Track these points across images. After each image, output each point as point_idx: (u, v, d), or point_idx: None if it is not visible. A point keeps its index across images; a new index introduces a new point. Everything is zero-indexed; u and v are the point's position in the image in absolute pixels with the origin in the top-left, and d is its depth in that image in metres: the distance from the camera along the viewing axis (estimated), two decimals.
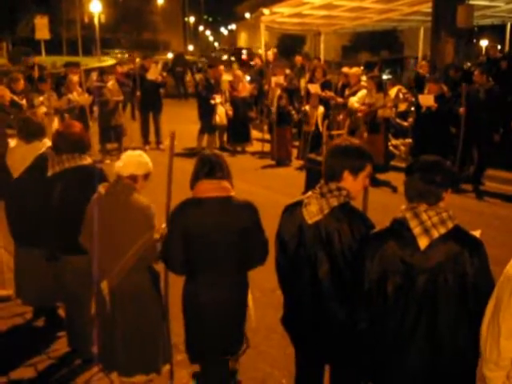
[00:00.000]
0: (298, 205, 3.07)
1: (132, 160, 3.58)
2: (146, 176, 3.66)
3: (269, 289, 4.90)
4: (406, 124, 10.35)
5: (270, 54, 13.94)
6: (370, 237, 2.81)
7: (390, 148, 10.40)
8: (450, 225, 2.59)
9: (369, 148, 3.16)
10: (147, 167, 3.64)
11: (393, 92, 10.49)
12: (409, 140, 10.38)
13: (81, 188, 3.99)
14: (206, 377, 3.55)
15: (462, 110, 8.65)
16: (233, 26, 76.06)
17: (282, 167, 10.86)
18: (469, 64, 12.13)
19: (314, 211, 2.96)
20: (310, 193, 3.06)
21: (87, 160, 4.15)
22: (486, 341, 2.51)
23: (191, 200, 3.26)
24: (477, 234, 2.86)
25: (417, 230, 2.60)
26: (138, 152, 3.69)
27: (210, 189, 3.19)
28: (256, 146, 12.36)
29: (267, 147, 11.63)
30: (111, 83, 11.57)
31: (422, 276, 2.60)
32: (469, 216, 6.93)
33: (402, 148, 10.57)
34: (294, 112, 11.19)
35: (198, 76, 18.52)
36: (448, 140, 8.93)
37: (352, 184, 2.97)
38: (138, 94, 12.34)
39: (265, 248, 3.35)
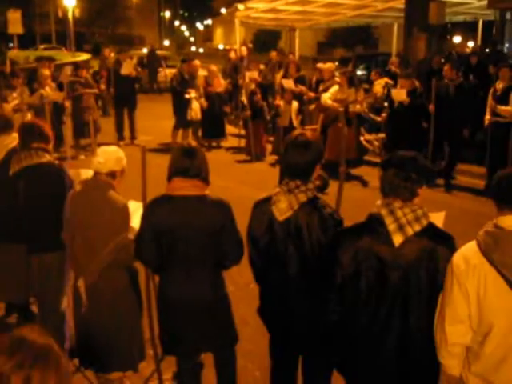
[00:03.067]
0: (266, 201, 3.09)
1: (111, 156, 3.55)
2: (123, 172, 3.64)
3: (243, 283, 4.94)
4: (379, 119, 10.44)
5: (244, 49, 13.93)
6: (345, 231, 2.83)
7: (364, 143, 10.49)
8: (425, 222, 2.61)
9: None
10: (123, 163, 3.63)
11: (379, 83, 10.59)
12: (382, 135, 10.48)
13: (41, 186, 3.98)
14: (179, 370, 3.59)
15: (431, 107, 8.79)
16: (209, 22, 75.73)
17: (256, 162, 10.88)
18: (442, 60, 12.34)
19: (283, 208, 2.98)
20: (277, 189, 3.07)
21: (46, 157, 4.06)
22: (436, 328, 2.56)
23: (162, 197, 3.24)
24: (441, 215, 2.92)
25: (392, 227, 2.60)
26: (114, 147, 3.67)
27: (182, 187, 3.16)
28: (231, 142, 12.36)
29: (244, 142, 11.64)
30: (85, 77, 11.45)
31: (395, 272, 2.62)
32: (437, 209, 7.02)
33: (376, 143, 10.66)
34: (266, 107, 11.20)
35: (169, 71, 18.21)
36: (420, 135, 9.02)
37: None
38: (112, 89, 12.24)
39: (239, 248, 3.30)
